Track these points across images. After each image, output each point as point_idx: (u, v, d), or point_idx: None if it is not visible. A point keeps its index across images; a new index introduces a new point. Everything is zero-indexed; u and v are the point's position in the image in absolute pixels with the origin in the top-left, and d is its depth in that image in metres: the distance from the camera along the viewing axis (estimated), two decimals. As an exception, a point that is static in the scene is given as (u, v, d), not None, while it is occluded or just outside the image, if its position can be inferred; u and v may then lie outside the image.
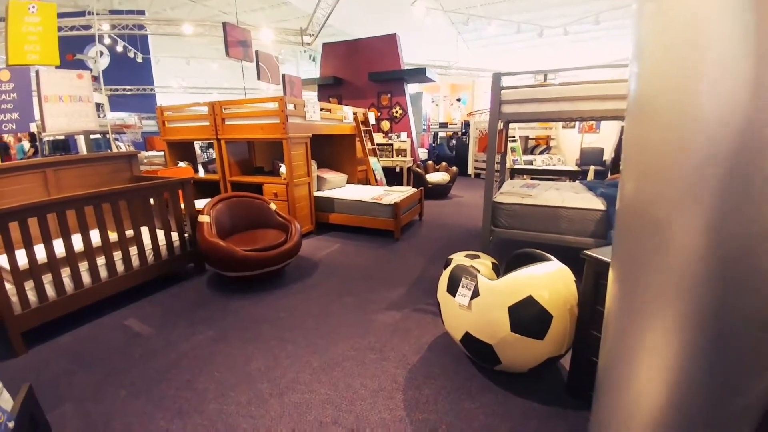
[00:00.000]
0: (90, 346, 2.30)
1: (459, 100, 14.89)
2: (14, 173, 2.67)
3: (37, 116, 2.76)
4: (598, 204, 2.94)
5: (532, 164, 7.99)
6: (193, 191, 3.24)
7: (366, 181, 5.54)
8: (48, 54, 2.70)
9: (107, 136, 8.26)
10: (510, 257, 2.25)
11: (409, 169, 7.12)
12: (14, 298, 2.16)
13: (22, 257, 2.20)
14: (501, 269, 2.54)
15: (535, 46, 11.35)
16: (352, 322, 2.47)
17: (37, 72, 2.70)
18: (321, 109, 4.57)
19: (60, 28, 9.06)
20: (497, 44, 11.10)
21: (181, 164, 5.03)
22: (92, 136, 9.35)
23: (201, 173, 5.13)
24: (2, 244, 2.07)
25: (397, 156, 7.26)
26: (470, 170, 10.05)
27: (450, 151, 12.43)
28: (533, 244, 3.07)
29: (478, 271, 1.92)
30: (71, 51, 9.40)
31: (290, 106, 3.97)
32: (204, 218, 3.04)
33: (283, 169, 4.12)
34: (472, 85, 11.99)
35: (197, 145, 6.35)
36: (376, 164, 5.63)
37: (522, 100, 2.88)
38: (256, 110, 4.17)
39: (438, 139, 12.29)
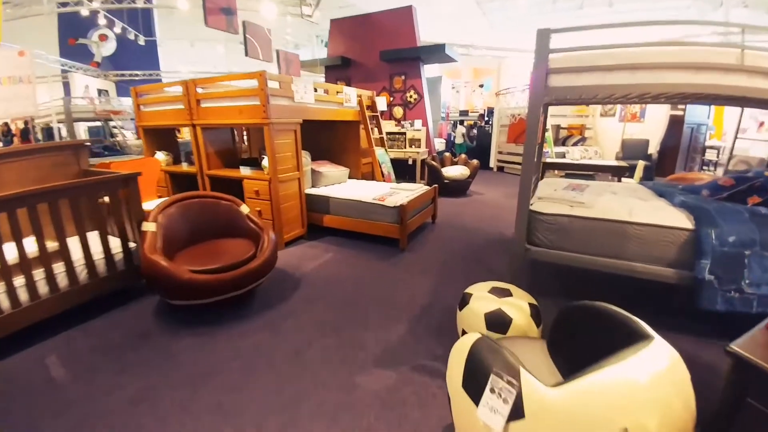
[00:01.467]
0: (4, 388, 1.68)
1: (481, 86, 13.78)
2: None
3: None
4: (683, 220, 2.06)
5: (564, 157, 6.98)
6: (138, 190, 2.55)
7: (372, 176, 4.76)
8: None
9: (110, 122, 7.80)
10: (561, 313, 1.44)
11: (423, 161, 6.28)
12: None
13: None
14: (542, 319, 1.73)
15: (572, 21, 10.09)
16: (327, 385, 1.73)
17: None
18: (316, 90, 3.80)
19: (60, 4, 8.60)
20: (527, 20, 9.92)
21: (159, 154, 4.39)
22: (92, 124, 8.96)
23: (185, 165, 4.48)
24: None
25: (410, 146, 6.42)
26: (492, 163, 9.09)
27: (470, 141, 11.46)
28: (584, 273, 2.23)
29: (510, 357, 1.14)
30: (73, 35, 8.96)
31: (273, 84, 3.22)
32: (148, 226, 2.35)
33: (265, 161, 3.39)
34: (497, 69, 10.87)
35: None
36: (383, 156, 4.83)
37: (579, 68, 2.02)
38: (233, 90, 3.44)
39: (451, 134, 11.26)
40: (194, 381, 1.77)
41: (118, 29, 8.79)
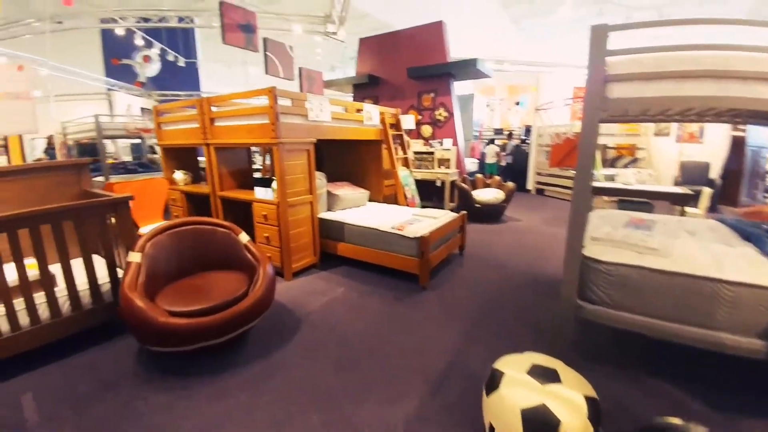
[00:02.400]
0: None
1: (518, 103, 13.21)
2: None
3: None
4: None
5: (614, 180, 6.25)
6: (128, 216, 2.34)
7: (395, 199, 4.39)
8: None
9: (143, 139, 8.05)
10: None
11: (452, 183, 5.84)
12: None
13: None
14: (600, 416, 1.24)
15: (618, 35, 9.37)
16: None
17: None
18: (335, 107, 3.53)
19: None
20: (568, 34, 9.33)
21: (178, 174, 4.28)
22: (130, 141, 9.35)
23: (204, 185, 4.33)
24: None
25: (439, 167, 6.02)
26: (531, 185, 8.44)
27: (503, 161, 10.85)
28: (656, 342, 1.68)
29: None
30: (116, 55, 9.53)
31: (285, 102, 2.98)
32: (133, 257, 2.11)
33: (274, 184, 3.12)
34: (535, 85, 10.29)
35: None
36: (407, 178, 4.46)
37: (648, 75, 1.56)
38: (244, 108, 3.24)
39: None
40: (148, 461, 1.43)
41: (157, 50, 9.22)
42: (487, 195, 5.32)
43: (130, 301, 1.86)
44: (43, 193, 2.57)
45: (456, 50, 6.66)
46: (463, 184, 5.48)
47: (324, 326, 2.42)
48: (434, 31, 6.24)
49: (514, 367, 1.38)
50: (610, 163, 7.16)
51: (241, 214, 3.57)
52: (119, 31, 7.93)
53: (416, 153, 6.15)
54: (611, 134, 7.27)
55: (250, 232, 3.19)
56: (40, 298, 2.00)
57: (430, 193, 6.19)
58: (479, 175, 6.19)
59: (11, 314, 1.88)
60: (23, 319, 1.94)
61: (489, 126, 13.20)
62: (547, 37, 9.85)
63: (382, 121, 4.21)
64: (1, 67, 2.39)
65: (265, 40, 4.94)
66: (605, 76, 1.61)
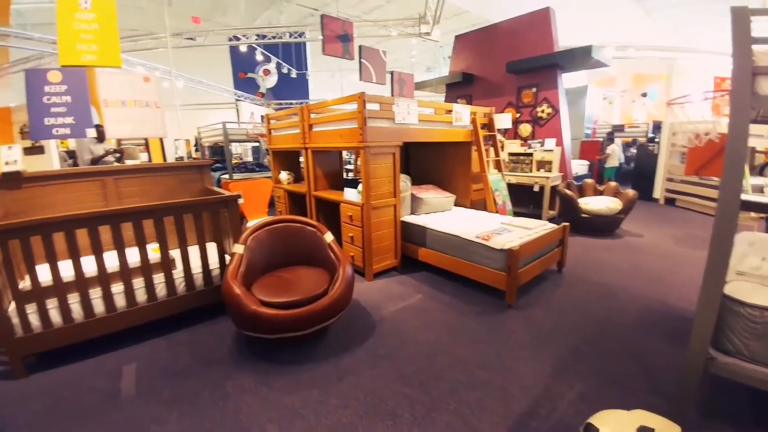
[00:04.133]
0: (70, 392, 1.89)
1: (644, 95, 11.21)
2: (71, 180, 2.60)
3: (97, 121, 2.68)
4: None
5: (762, 192, 4.77)
6: (237, 211, 2.65)
7: (483, 205, 4.12)
8: (107, 54, 2.56)
9: (259, 143, 9.25)
10: None
11: (553, 189, 5.23)
12: (16, 320, 1.95)
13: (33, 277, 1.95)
14: None
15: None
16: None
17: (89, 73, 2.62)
18: (422, 109, 3.47)
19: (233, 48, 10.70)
20: (704, 11, 7.47)
21: (283, 174, 4.77)
22: (251, 144, 10.83)
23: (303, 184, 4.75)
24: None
25: (538, 170, 5.44)
26: (658, 193, 7.07)
27: (626, 163, 9.33)
28: None
29: None
30: (243, 70, 11.12)
31: (372, 106, 3.02)
32: (237, 249, 2.39)
33: (360, 186, 3.21)
34: (668, 74, 8.51)
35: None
36: (498, 183, 4.13)
37: None
38: (337, 114, 3.40)
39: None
40: (228, 438, 1.58)
41: (274, 64, 10.44)
42: (598, 204, 4.61)
43: (230, 288, 2.10)
44: (172, 190, 3.10)
45: (565, 38, 5.93)
46: (567, 190, 4.85)
47: (395, 336, 2.37)
48: (540, 20, 5.66)
49: (616, 426, 1.11)
50: (759, 170, 5.51)
51: (332, 212, 3.78)
52: (243, 48, 9.21)
53: (511, 155, 5.67)
54: (760, 135, 5.58)
55: (338, 231, 3.35)
56: (159, 278, 2.40)
57: (525, 200, 5.65)
58: (589, 180, 5.40)
59: (129, 292, 2.27)
60: (140, 297, 2.32)
61: (606, 122, 11.51)
62: (681, 20, 8.04)
63: (473, 122, 3.98)
64: (132, 78, 2.93)
65: (360, 47, 5.15)
66: (753, 67, 1.19)
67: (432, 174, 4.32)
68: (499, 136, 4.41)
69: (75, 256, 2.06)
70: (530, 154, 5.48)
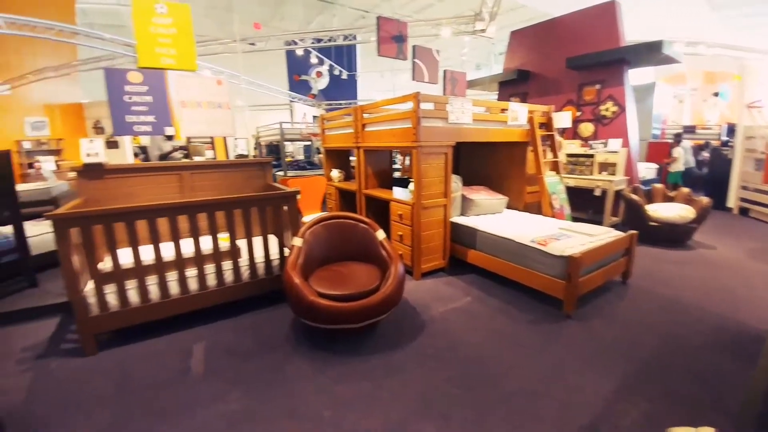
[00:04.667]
0: (142, 367, 2.10)
1: (716, 94, 10.08)
2: (152, 173, 2.90)
3: (179, 121, 2.94)
4: None
5: None
6: (296, 206, 2.79)
7: (538, 209, 3.95)
8: (185, 58, 2.83)
9: (312, 142, 9.63)
10: None
11: (617, 193, 4.87)
12: (92, 300, 2.18)
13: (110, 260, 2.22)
14: None
15: None
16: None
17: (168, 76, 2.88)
18: (476, 108, 3.40)
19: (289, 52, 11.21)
20: None
21: (334, 172, 4.92)
22: (303, 143, 11.28)
23: (353, 182, 4.88)
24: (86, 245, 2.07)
25: (600, 173, 5.10)
26: (732, 202, 6.31)
27: (698, 167, 8.46)
28: None
29: None
30: (297, 73, 11.62)
31: (426, 106, 3.02)
32: (296, 242, 2.51)
33: (411, 185, 3.22)
34: (737, 74, 7.52)
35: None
36: (555, 185, 3.94)
37: None
38: (390, 114, 3.43)
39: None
40: (282, 420, 1.68)
41: (326, 66, 10.79)
42: (668, 211, 4.22)
43: (290, 278, 2.22)
44: (238, 184, 3.33)
45: (631, 32, 5.49)
46: (634, 195, 4.50)
47: (445, 336, 2.36)
48: (605, 13, 5.30)
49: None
50: None
51: (381, 210, 3.84)
52: (299, 52, 9.62)
53: (570, 156, 5.37)
54: None
55: (387, 229, 3.40)
56: (227, 265, 2.60)
57: (585, 204, 5.33)
58: (658, 185, 4.96)
59: (201, 276, 2.48)
60: (210, 281, 2.53)
61: (675, 122, 10.49)
62: (752, 21, 7.06)
63: (530, 121, 3.83)
64: (206, 80, 3.18)
65: (414, 47, 5.16)
66: None
67: (483, 175, 4.22)
68: (556, 136, 4.20)
69: (155, 241, 2.30)
70: (591, 156, 5.15)
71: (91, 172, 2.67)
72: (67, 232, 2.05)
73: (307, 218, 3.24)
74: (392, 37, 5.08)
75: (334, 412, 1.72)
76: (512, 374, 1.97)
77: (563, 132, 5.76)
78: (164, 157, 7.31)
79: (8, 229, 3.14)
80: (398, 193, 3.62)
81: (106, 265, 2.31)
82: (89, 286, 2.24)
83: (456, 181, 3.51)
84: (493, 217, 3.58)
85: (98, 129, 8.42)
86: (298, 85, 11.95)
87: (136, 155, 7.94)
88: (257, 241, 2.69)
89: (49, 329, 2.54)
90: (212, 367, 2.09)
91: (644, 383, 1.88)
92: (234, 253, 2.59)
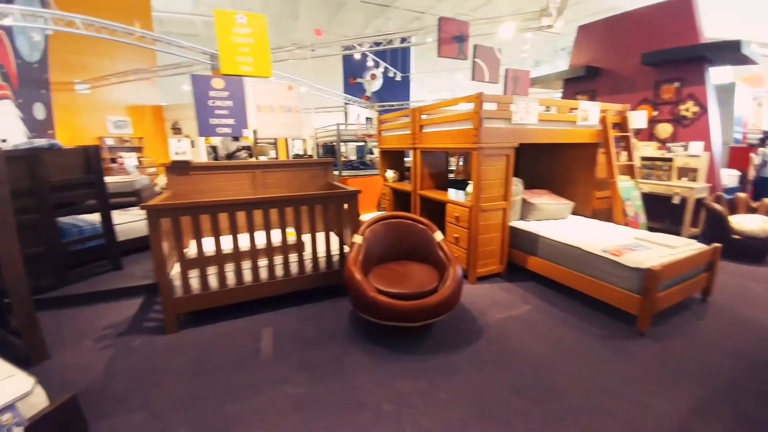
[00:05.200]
0: (217, 347, 2.29)
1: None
2: (229, 170, 3.16)
3: (252, 124, 3.18)
4: None
5: None
6: (357, 205, 2.88)
7: (608, 216, 3.68)
8: (261, 66, 3.06)
9: (366, 143, 9.86)
10: None
11: (698, 202, 4.39)
12: (177, 283, 2.44)
13: (193, 247, 2.45)
14: None
15: None
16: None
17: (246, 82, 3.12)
18: (546, 108, 3.26)
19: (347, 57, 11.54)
20: None
21: (389, 172, 5.00)
22: (356, 144, 11.57)
23: (407, 183, 4.92)
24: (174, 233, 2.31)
25: (679, 178, 4.62)
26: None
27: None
28: None
29: None
30: (353, 76, 11.93)
31: (489, 106, 2.96)
32: (356, 239, 2.60)
33: (469, 187, 3.17)
34: None
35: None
36: (630, 191, 3.65)
37: None
38: (449, 115, 3.41)
39: None
40: (344, 408, 1.75)
41: (382, 69, 10.95)
42: (752, 224, 3.72)
43: (351, 274, 2.30)
44: (303, 182, 3.51)
45: (707, 30, 4.94)
46: (717, 205, 4.02)
47: (503, 343, 2.29)
48: (681, 8, 4.81)
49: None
50: None
51: (435, 212, 3.83)
52: (357, 56, 9.88)
53: (645, 159, 4.94)
54: None
55: (442, 231, 3.38)
56: (293, 258, 2.75)
57: (660, 213, 4.87)
58: (741, 195, 4.38)
59: (270, 267, 2.66)
60: (278, 271, 2.71)
61: (756, 126, 9.19)
62: None
63: (602, 121, 3.58)
64: (278, 86, 3.38)
65: (475, 47, 5.06)
66: None
67: (546, 178, 4.02)
68: (632, 138, 3.88)
69: (234, 232, 2.51)
70: (669, 160, 4.69)
71: (179, 168, 2.99)
72: (159, 221, 2.31)
73: (365, 217, 3.33)
74: (453, 38, 5.03)
75: (393, 406, 1.75)
76: (577, 388, 1.87)
77: (638, 133, 5.31)
78: (230, 156, 7.91)
79: (96, 217, 3.55)
80: (453, 194, 3.59)
81: (189, 251, 2.56)
82: (175, 270, 2.50)
83: (517, 184, 3.39)
84: (557, 222, 3.40)
85: (176, 129, 9.32)
86: (352, 87, 12.28)
87: (209, 154, 8.68)
88: (319, 237, 2.82)
89: (131, 309, 2.83)
90: (279, 351, 2.23)
91: (723, 408, 1.70)
92: (299, 246, 2.75)
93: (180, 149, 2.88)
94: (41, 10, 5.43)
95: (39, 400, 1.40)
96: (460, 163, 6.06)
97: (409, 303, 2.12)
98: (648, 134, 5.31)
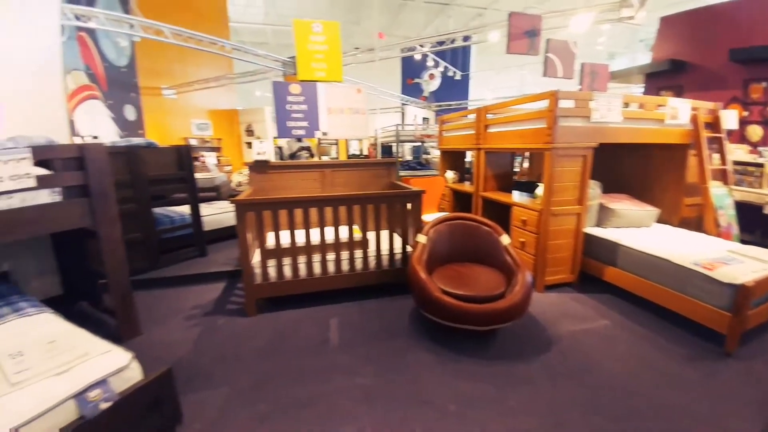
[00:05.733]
0: (289, 332, 2.46)
1: None
2: (301, 170, 3.37)
3: (322, 126, 3.35)
4: None
5: None
6: (421, 205, 2.91)
7: (697, 225, 3.31)
8: (333, 71, 3.21)
9: (423, 143, 9.87)
10: None
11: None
12: (257, 270, 2.65)
13: (270, 239, 2.66)
14: None
15: None
16: None
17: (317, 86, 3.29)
18: (626, 105, 3.02)
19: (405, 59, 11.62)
20: None
21: (449, 173, 4.96)
22: (412, 144, 11.60)
23: (467, 184, 4.85)
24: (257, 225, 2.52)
25: (783, 186, 3.98)
26: None
27: None
28: None
29: None
30: (411, 76, 11.95)
31: (565, 104, 2.80)
32: (421, 238, 2.63)
33: (539, 189, 3.04)
34: None
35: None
36: (723, 198, 3.24)
37: None
38: (520, 114, 3.28)
39: None
40: (410, 403, 1.78)
41: (442, 68, 10.83)
42: None
43: (416, 272, 2.34)
44: (367, 181, 3.61)
45: None
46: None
47: (577, 357, 2.17)
48: None
49: None
50: None
51: (498, 214, 3.72)
52: (418, 56, 9.90)
53: (737, 164, 4.34)
54: None
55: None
56: (358, 254, 2.86)
57: (752, 224, 4.25)
58: None
59: (338, 261, 2.79)
60: (345, 266, 2.83)
61: None
62: None
63: (693, 120, 3.22)
64: (348, 89, 3.51)
65: (548, 41, 4.81)
66: None
67: (627, 181, 3.70)
68: (724, 139, 3.44)
69: (307, 227, 2.67)
70: (761, 165, 4.08)
71: (259, 167, 3.26)
72: (245, 214, 2.54)
73: (426, 217, 3.34)
74: (523, 33, 4.83)
75: (459, 407, 1.76)
76: (659, 410, 1.72)
77: (729, 134, 4.69)
78: (293, 155, 8.41)
79: (184, 209, 4.00)
80: (519, 197, 3.45)
81: (268, 242, 2.79)
82: (255, 259, 2.73)
83: (594, 188, 3.18)
84: (639, 231, 3.13)
85: (249, 132, 10.08)
86: (410, 88, 12.33)
87: (276, 154, 9.31)
88: (383, 235, 2.89)
89: (215, 292, 3.14)
90: (345, 341, 2.34)
91: None
92: (364, 243, 2.85)
93: (261, 150, 3.14)
94: (128, 17, 6.00)
95: (134, 375, 1.50)
96: (524, 165, 5.82)
97: (476, 306, 2.10)
98: (739, 136, 4.67)
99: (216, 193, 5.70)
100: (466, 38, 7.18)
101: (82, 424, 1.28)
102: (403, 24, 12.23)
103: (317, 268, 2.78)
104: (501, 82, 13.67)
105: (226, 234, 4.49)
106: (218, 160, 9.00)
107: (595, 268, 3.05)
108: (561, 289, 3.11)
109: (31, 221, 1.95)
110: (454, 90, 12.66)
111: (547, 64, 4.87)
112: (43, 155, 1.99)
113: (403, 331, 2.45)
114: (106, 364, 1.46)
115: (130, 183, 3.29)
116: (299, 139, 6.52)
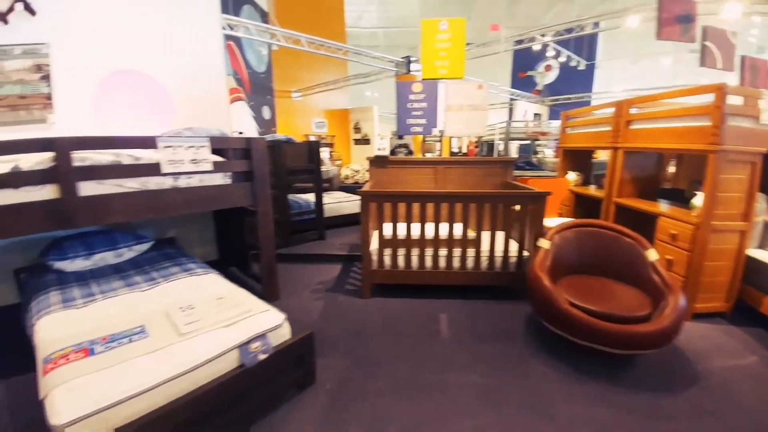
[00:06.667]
0: (402, 319, 2.59)
1: None
2: (415, 165, 3.46)
3: (440, 123, 3.37)
4: None
5: None
6: (543, 207, 2.74)
7: None
8: (455, 68, 3.17)
9: (534, 141, 9.21)
10: None
11: None
12: (374, 257, 2.85)
13: (387, 229, 2.82)
14: None
15: None
16: None
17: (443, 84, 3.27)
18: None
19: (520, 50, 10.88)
20: None
21: (571, 174, 4.53)
22: (523, 142, 10.88)
23: (593, 188, 4.37)
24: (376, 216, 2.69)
25: None
26: None
27: None
28: None
29: None
30: (523, 69, 11.16)
31: (734, 99, 2.30)
32: (543, 243, 2.49)
33: (698, 199, 2.57)
34: None
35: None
36: None
37: None
38: (675, 109, 2.80)
39: None
40: (531, 413, 1.71)
41: (563, 58, 9.86)
42: None
43: (538, 279, 2.22)
44: (480, 179, 3.54)
45: None
46: None
47: (727, 396, 1.82)
48: None
49: None
50: None
51: (634, 225, 3.26)
52: (537, 47, 9.21)
53: None
54: None
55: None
56: (470, 252, 2.83)
57: None
58: None
59: (449, 257, 2.81)
60: (455, 263, 2.84)
61: None
62: None
63: None
64: (468, 86, 3.44)
65: (704, 28, 4.03)
66: None
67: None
68: None
69: (422, 221, 2.76)
70: None
71: (379, 161, 3.48)
72: (369, 204, 2.74)
73: (547, 222, 3.12)
74: (676, 18, 4.11)
75: (589, 430, 1.62)
76: None
77: None
78: (392, 152, 8.71)
79: (310, 197, 4.48)
80: (666, 206, 2.95)
81: (385, 232, 2.96)
82: (373, 246, 2.93)
83: (761, 201, 2.57)
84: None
85: (357, 129, 10.79)
86: (521, 81, 11.55)
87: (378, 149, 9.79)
88: (498, 236, 2.81)
89: (334, 272, 3.48)
90: (455, 337, 2.37)
91: None
92: (477, 242, 2.81)
93: (381, 146, 3.36)
94: (272, 27, 6.91)
95: (285, 333, 1.72)
96: (670, 169, 4.98)
97: (615, 326, 1.89)
98: None
99: (328, 184, 6.29)
100: (596, 25, 6.41)
101: (243, 371, 1.52)
102: (517, 15, 11.46)
103: (429, 262, 2.85)
104: (634, 72, 11.80)
105: (339, 222, 4.92)
106: (330, 154, 9.85)
107: (755, 299, 2.48)
108: (711, 319, 2.60)
109: (210, 198, 2.41)
110: (573, 82, 11.44)
111: (705, 53, 4.05)
112: (219, 145, 2.43)
113: (518, 338, 2.36)
114: (266, 321, 1.71)
115: (274, 172, 3.85)
116: (400, 137, 6.69)
